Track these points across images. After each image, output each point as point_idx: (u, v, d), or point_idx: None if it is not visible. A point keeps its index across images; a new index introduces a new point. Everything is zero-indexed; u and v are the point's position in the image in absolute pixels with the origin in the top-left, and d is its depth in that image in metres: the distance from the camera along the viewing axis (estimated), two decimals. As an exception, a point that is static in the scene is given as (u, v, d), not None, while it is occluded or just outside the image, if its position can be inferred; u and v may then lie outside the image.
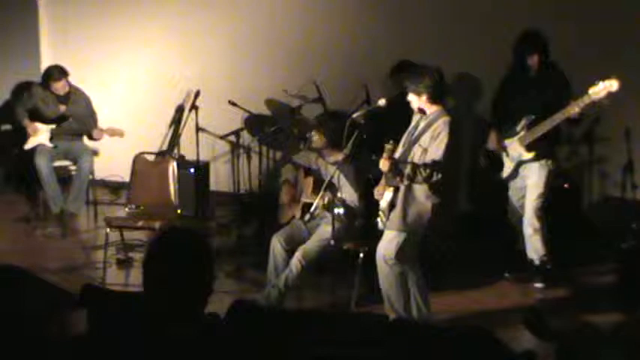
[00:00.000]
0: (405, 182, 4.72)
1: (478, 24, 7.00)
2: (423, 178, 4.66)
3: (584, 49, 6.60)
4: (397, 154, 4.87)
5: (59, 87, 7.33)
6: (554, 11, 6.71)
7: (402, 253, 4.78)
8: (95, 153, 7.52)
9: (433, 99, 4.81)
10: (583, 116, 5.54)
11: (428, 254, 5.23)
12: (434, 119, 4.80)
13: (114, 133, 7.28)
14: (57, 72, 7.33)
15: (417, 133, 4.86)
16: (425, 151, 4.74)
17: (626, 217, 6.15)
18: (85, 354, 2.52)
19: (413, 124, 4.96)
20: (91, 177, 7.45)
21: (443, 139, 4.69)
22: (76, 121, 7.37)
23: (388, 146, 4.63)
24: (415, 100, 4.85)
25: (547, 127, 5.58)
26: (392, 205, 4.80)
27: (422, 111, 4.86)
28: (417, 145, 4.80)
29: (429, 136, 4.75)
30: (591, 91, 5.28)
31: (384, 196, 4.83)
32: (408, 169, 4.67)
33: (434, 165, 4.64)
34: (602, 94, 5.25)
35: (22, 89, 7.82)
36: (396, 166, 4.69)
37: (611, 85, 5.23)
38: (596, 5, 6.75)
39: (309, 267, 5.29)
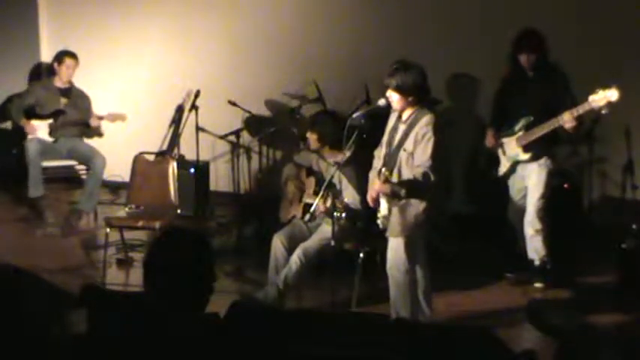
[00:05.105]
0: (405, 199, 4.67)
1: (478, 24, 7.00)
2: (422, 186, 4.58)
3: (584, 49, 6.60)
4: (381, 156, 4.83)
5: (70, 66, 7.36)
6: (554, 11, 6.71)
7: (412, 257, 4.75)
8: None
9: (419, 99, 4.68)
10: (582, 119, 5.52)
11: (429, 255, 5.23)
12: (416, 120, 4.66)
13: (115, 118, 7.31)
14: (71, 53, 7.41)
15: (399, 136, 4.72)
16: (411, 155, 4.63)
17: (626, 217, 6.14)
18: (85, 354, 2.52)
19: (392, 124, 4.83)
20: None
21: (430, 139, 4.57)
22: (76, 110, 7.36)
23: (385, 173, 4.54)
24: (398, 99, 4.66)
25: (544, 131, 5.57)
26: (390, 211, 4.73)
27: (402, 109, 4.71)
28: (401, 151, 4.68)
29: (413, 139, 4.63)
30: (591, 98, 5.26)
31: (381, 204, 4.76)
32: (403, 190, 4.60)
33: (425, 170, 4.56)
34: (602, 102, 5.22)
35: (21, 88, 7.82)
36: (393, 190, 4.62)
37: (612, 94, 5.19)
38: (597, 5, 6.75)
39: (309, 265, 5.29)
